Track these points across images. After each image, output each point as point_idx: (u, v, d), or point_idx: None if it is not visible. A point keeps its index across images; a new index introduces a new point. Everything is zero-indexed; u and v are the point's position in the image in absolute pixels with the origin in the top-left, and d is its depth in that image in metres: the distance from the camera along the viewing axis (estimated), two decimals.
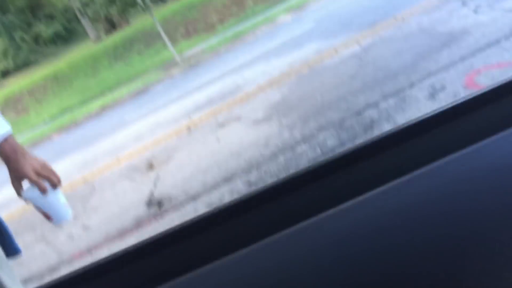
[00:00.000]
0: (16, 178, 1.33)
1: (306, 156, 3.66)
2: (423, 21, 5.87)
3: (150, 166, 5.38)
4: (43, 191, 1.31)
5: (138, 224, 3.98)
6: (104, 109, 12.00)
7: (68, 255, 4.02)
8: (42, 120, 14.87)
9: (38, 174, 1.32)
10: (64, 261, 3.99)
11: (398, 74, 4.49)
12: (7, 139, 1.31)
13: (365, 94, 4.37)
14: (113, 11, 12.70)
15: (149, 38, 19.36)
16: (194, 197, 3.94)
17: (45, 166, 1.34)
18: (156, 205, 4.19)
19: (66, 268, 3.94)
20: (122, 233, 3.96)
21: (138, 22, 25.77)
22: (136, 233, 3.83)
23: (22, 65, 33.45)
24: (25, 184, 1.35)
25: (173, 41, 17.47)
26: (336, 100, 4.60)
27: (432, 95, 3.69)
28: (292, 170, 3.57)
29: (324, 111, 4.46)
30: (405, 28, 5.97)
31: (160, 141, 6.23)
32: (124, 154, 6.52)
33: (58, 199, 1.36)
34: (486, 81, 3.49)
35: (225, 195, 3.69)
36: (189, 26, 18.93)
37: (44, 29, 37.51)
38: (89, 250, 3.90)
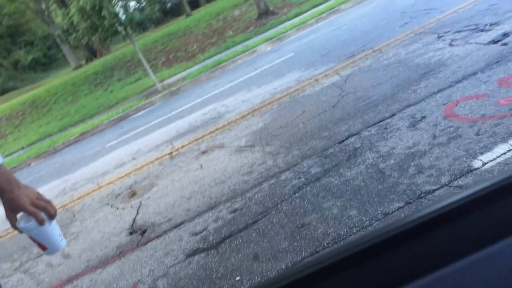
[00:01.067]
0: (12, 209, 1.28)
1: (291, 184, 3.71)
2: (401, 53, 6.07)
3: (133, 193, 5.34)
4: (40, 222, 1.27)
5: (121, 252, 3.93)
6: (84, 135, 11.91)
7: (48, 285, 3.93)
8: (20, 147, 14.62)
9: (35, 205, 1.27)
10: None
11: (378, 104, 4.61)
12: (0, 169, 1.27)
13: (347, 123, 4.47)
14: (95, 39, 12.73)
15: (130, 66, 19.42)
16: (177, 225, 3.92)
17: (40, 197, 1.31)
18: (139, 232, 4.15)
19: None
20: (104, 262, 3.90)
21: (119, 50, 25.86)
22: (118, 261, 3.78)
23: (0, 91, 33.10)
24: (19, 214, 1.30)
25: (154, 69, 17.57)
26: (318, 128, 4.69)
27: (413, 124, 3.80)
28: (276, 197, 3.61)
29: (307, 139, 4.54)
30: (383, 59, 6.16)
31: (142, 168, 6.21)
32: (105, 180, 6.46)
33: (54, 229, 1.33)
34: (464, 111, 3.63)
35: (209, 223, 3.69)
36: (170, 55, 19.08)
37: (24, 56, 37.40)
38: (70, 280, 3.83)
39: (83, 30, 12.21)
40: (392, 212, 2.70)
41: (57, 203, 6.41)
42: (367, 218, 2.76)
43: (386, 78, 5.30)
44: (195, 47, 18.65)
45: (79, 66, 28.25)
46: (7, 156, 14.14)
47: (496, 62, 4.33)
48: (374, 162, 3.44)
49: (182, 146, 6.38)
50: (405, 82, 4.89)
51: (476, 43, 5.12)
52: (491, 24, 5.54)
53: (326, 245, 2.69)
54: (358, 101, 4.98)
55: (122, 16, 12.57)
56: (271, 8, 18.15)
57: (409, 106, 4.21)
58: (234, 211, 3.69)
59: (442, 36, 5.97)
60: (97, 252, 4.16)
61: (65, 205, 6.12)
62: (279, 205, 3.45)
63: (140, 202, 4.93)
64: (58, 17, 14.15)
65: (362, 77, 5.81)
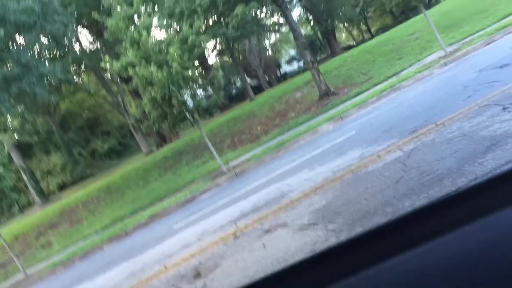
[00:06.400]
0: None
1: None
2: (465, 126, 5.95)
3: (197, 274, 5.39)
4: None
5: None
6: (153, 218, 12.30)
7: None
8: (94, 231, 15.29)
9: None
10: None
11: (443, 178, 4.49)
12: None
13: (411, 198, 4.37)
14: (164, 126, 13.54)
15: (197, 150, 20.24)
16: None
17: None
18: None
19: None
20: None
21: (187, 135, 27.16)
22: None
23: (79, 179, 35.35)
24: None
25: (220, 151, 18.17)
26: (382, 204, 4.60)
27: None
28: None
29: (370, 215, 4.46)
30: (446, 133, 6.06)
31: (207, 249, 6.28)
32: (171, 262, 6.57)
33: None
34: None
35: None
36: (235, 138, 19.75)
37: (101, 145, 40.19)
38: None
39: (154, 118, 13.06)
40: None
41: (125, 285, 6.55)
42: None
43: (450, 152, 5.18)
44: (259, 129, 19.24)
45: (150, 152, 29.83)
46: (82, 240, 14.81)
47: None
48: None
49: (246, 226, 6.43)
50: (471, 155, 4.76)
51: None
52: None
53: None
54: (422, 175, 4.87)
55: (190, 104, 13.38)
56: (332, 89, 18.59)
57: (475, 179, 4.07)
58: None
59: (508, 107, 5.82)
60: None
61: (134, 287, 6.24)
62: None
63: (205, 283, 4.95)
64: (132, 108, 15.44)
65: (426, 151, 5.71)
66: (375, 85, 16.34)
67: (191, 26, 13.48)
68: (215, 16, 21.78)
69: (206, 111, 14.28)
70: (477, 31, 16.01)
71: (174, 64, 12.19)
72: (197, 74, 13.80)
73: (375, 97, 13.27)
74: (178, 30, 16.13)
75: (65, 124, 39.62)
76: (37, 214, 23.48)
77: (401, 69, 16.87)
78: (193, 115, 13.34)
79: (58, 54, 26.70)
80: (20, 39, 19.17)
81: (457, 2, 25.85)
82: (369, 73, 19.02)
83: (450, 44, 16.19)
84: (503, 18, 15.57)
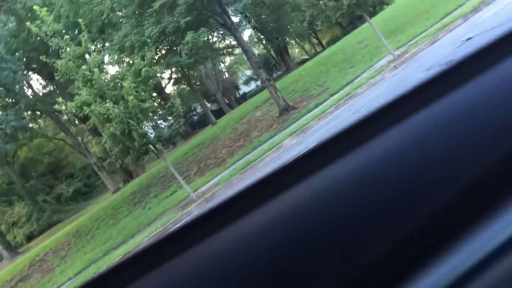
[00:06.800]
0: None
1: None
2: None
3: None
4: None
5: None
6: (126, 256, 12.02)
7: None
8: (68, 278, 14.80)
9: None
10: None
11: None
12: None
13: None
14: (128, 161, 13.37)
15: (164, 181, 20.02)
16: None
17: None
18: None
19: None
20: None
21: (154, 167, 26.86)
22: None
23: (46, 226, 34.22)
24: None
25: (188, 179, 18.03)
26: None
27: None
28: None
29: None
30: None
31: None
32: None
33: None
34: None
35: None
36: (201, 164, 19.66)
37: (65, 189, 39.16)
38: None
39: (116, 154, 12.88)
40: None
41: None
42: None
43: None
44: (224, 152, 19.23)
45: (117, 190, 29.28)
46: None
47: None
48: None
49: None
50: None
51: None
52: None
53: None
54: None
55: (151, 135, 13.29)
56: (291, 104, 18.84)
57: None
58: None
59: None
60: None
61: None
62: None
63: None
64: (93, 146, 15.19)
65: None
66: (331, 95, 16.67)
67: (142, 58, 13.49)
68: (167, 45, 21.83)
69: (168, 141, 14.19)
70: (421, 33, 16.63)
71: (130, 98, 12.10)
72: (155, 105, 13.77)
73: (332, 107, 13.55)
74: (130, 63, 16.09)
75: (26, 172, 38.51)
76: (7, 269, 22.54)
77: (354, 76, 17.29)
78: (156, 146, 13.24)
79: (10, 102, 26.10)
80: None
81: (399, 7, 26.88)
82: (325, 84, 19.40)
83: (398, 48, 16.74)
84: (444, 17, 16.25)
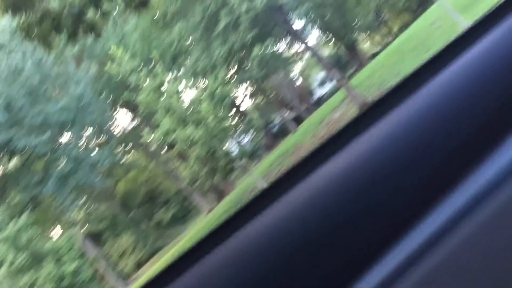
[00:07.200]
0: None
1: None
2: None
3: None
4: None
5: None
6: None
7: None
8: None
9: None
10: None
11: None
12: None
13: None
14: (216, 181, 13.71)
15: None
16: None
17: None
18: None
19: None
20: None
21: (242, 182, 27.33)
22: None
23: (152, 253, 35.91)
24: None
25: None
26: None
27: None
28: None
29: None
30: None
31: None
32: None
33: None
34: None
35: None
36: None
37: (164, 215, 40.94)
38: None
39: (204, 175, 13.26)
40: None
41: None
42: None
43: None
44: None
45: (211, 210, 30.08)
46: None
47: None
48: None
49: None
50: None
51: None
52: None
53: None
54: None
55: (235, 152, 13.53)
56: (369, 99, 18.33)
57: None
58: None
59: None
60: None
61: None
62: None
63: None
64: (183, 171, 15.85)
65: None
66: None
67: (216, 78, 13.82)
68: (237, 62, 22.27)
69: (252, 155, 14.36)
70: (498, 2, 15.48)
71: (209, 119, 12.44)
72: (234, 122, 14.05)
73: None
74: (205, 86, 16.60)
75: (126, 204, 40.83)
76: None
77: None
78: (240, 162, 13.45)
79: (103, 140, 27.95)
80: (65, 136, 20.29)
81: None
82: (402, 72, 18.67)
83: None
84: None
